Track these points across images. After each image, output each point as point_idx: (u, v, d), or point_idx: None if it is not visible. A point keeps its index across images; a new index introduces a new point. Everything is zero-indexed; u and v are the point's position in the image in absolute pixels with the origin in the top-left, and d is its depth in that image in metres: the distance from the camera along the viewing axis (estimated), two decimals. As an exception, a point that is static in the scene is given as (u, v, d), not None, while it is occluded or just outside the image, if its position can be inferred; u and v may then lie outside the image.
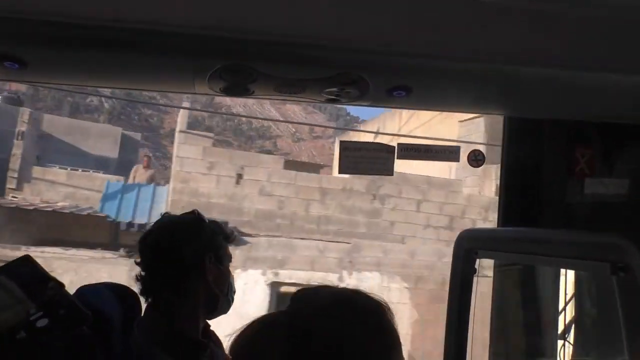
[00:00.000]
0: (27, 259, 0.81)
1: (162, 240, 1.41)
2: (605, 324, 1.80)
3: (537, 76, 1.27)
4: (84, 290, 1.32)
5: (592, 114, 1.58)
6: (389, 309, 0.82)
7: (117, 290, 1.44)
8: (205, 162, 8.42)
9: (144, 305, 1.45)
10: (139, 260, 1.45)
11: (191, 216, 1.48)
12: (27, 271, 0.79)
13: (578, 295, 1.76)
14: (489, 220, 8.70)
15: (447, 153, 1.60)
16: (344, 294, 0.83)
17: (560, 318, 1.76)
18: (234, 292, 1.49)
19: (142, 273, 1.43)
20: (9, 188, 11.82)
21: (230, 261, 1.50)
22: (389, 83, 1.22)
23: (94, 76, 1.25)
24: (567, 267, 1.58)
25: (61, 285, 0.79)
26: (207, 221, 1.49)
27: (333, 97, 1.28)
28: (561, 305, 1.78)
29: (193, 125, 10.58)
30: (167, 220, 1.49)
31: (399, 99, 1.30)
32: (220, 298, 1.45)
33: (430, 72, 1.21)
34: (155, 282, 1.41)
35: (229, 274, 1.50)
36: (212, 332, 1.52)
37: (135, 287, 1.45)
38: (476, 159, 1.61)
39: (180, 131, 8.78)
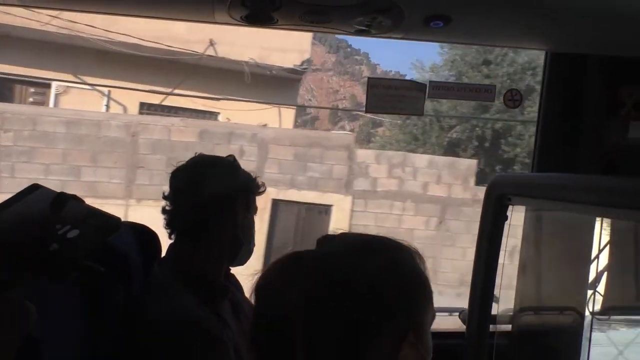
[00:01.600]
0: (34, 186, 0.77)
1: (197, 176, 1.35)
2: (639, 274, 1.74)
3: (582, 5, 1.15)
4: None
5: (643, 51, 1.46)
6: (419, 255, 0.79)
7: (136, 230, 1.41)
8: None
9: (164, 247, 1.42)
10: (166, 193, 1.39)
11: (227, 158, 1.42)
12: (38, 195, 0.75)
13: (612, 244, 1.69)
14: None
15: (482, 92, 1.51)
16: (373, 238, 0.79)
17: (592, 267, 1.70)
18: (254, 244, 1.45)
19: (169, 207, 1.37)
20: None
21: (256, 212, 1.45)
22: (425, 11, 1.12)
23: (110, 2, 1.17)
24: (605, 216, 1.49)
25: (80, 199, 0.75)
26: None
27: (363, 27, 1.18)
28: (593, 254, 1.71)
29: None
30: (203, 158, 1.42)
31: (436, 31, 1.19)
32: (244, 246, 1.40)
33: (470, -1, 1.10)
34: (184, 217, 1.35)
35: (254, 224, 1.44)
36: (233, 275, 1.49)
37: None
38: (513, 98, 1.51)
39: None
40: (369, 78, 1.53)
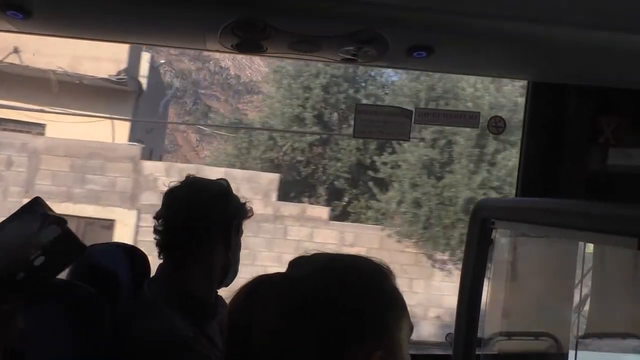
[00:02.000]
0: (35, 201, 0.80)
1: (192, 199, 1.37)
2: (623, 299, 1.77)
3: (563, 37, 1.20)
4: (93, 249, 1.32)
5: (620, 80, 1.51)
6: (390, 272, 0.81)
7: (126, 250, 1.43)
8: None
9: (152, 267, 1.44)
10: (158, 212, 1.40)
11: (220, 182, 1.45)
12: (31, 215, 0.78)
13: (595, 269, 1.72)
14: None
15: (467, 118, 1.55)
16: (344, 257, 0.81)
17: (576, 291, 1.72)
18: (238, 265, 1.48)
19: (161, 227, 1.38)
20: None
21: (241, 234, 1.48)
22: (409, 42, 1.16)
23: (101, 29, 1.21)
24: (588, 241, 1.53)
25: (62, 221, 0.78)
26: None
27: (350, 56, 1.23)
28: (577, 278, 1.74)
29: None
30: (197, 181, 1.45)
31: (419, 60, 1.24)
32: (231, 268, 1.43)
33: (452, 30, 1.14)
34: (177, 238, 1.37)
35: (240, 247, 1.48)
36: (221, 297, 1.50)
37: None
38: (497, 125, 1.55)
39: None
40: (357, 104, 1.58)
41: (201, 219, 1.35)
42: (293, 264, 0.79)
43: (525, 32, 1.18)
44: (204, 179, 1.47)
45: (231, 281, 1.44)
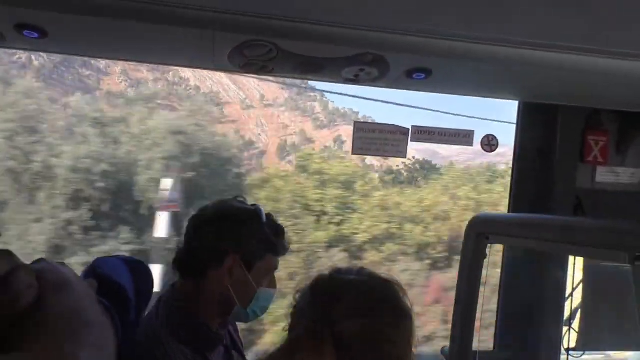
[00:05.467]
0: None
1: (221, 225, 1.27)
2: (613, 313, 1.82)
3: (553, 61, 1.27)
4: (99, 262, 1.33)
5: (607, 102, 1.58)
6: (400, 287, 0.86)
7: (130, 264, 1.44)
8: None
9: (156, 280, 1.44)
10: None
11: (247, 207, 1.32)
12: None
13: (585, 282, 1.78)
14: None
15: (461, 137, 1.61)
16: (362, 280, 0.88)
17: (567, 305, 1.77)
18: (265, 307, 1.34)
19: (183, 245, 1.31)
20: None
21: (270, 273, 1.32)
22: (409, 64, 1.23)
23: (115, 48, 1.26)
24: (579, 255, 1.58)
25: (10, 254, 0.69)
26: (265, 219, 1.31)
27: (352, 77, 1.28)
28: (568, 292, 1.79)
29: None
30: (220, 204, 1.34)
31: (418, 82, 1.30)
32: (236, 306, 1.29)
33: (450, 54, 1.21)
34: (197, 261, 1.28)
35: (256, 287, 1.30)
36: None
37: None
38: (490, 143, 1.61)
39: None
40: (355, 122, 1.62)
41: (225, 247, 1.26)
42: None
43: (517, 56, 1.25)
44: (234, 201, 1.36)
45: (246, 321, 1.37)
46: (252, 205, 1.33)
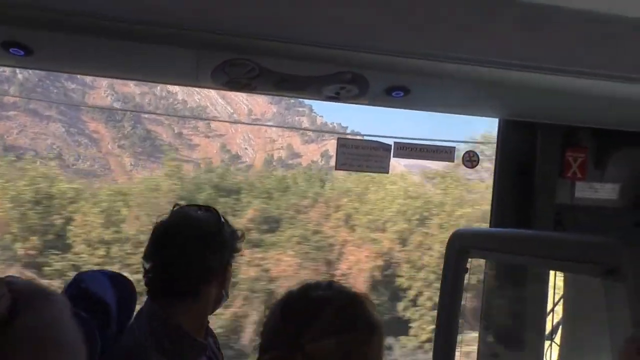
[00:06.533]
0: None
1: (186, 240, 1.25)
2: (593, 326, 1.84)
3: (532, 80, 1.31)
4: (82, 276, 1.34)
5: (586, 120, 1.62)
6: (369, 300, 0.89)
7: (112, 278, 1.43)
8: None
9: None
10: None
11: (211, 215, 1.31)
12: None
13: (566, 296, 1.80)
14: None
15: (442, 153, 1.64)
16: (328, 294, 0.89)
17: (548, 319, 1.79)
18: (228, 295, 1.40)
19: (149, 265, 1.27)
20: None
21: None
22: (388, 83, 1.26)
23: (98, 65, 1.28)
24: (557, 269, 1.61)
25: None
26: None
27: (333, 95, 1.31)
28: (549, 306, 1.81)
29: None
30: (187, 215, 1.30)
31: (397, 100, 1.33)
32: (224, 297, 1.36)
33: (428, 72, 1.24)
34: (172, 276, 1.25)
35: (231, 277, 1.39)
36: (209, 328, 1.42)
37: None
38: (471, 159, 1.64)
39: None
40: (338, 138, 1.64)
41: (195, 262, 1.25)
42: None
43: (496, 74, 1.28)
44: (192, 209, 1.35)
45: (219, 307, 1.39)
46: (210, 209, 1.34)
